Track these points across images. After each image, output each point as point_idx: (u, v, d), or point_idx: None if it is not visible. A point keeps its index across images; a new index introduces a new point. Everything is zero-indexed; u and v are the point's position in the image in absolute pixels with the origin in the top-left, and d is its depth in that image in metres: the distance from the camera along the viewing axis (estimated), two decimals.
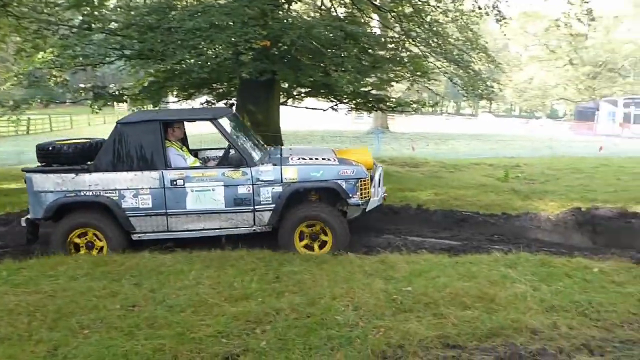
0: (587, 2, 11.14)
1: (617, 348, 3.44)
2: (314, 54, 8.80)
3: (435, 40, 10.73)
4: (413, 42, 11.03)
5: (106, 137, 6.13)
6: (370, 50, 9.96)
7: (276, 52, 8.46)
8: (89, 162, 6.06)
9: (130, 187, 5.78)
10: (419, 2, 11.01)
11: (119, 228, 5.84)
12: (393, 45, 10.76)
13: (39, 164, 6.17)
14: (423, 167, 14.62)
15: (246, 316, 3.87)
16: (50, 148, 6.06)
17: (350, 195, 6.07)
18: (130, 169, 5.81)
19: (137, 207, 5.81)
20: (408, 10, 10.93)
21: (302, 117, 18.07)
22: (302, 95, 11.85)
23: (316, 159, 6.36)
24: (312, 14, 11.38)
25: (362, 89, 10.03)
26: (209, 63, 7.90)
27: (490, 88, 11.23)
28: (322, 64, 9.01)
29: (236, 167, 5.91)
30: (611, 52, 51.00)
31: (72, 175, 5.75)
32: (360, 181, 6.13)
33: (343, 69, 8.48)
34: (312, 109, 12.24)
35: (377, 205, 6.46)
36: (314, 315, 3.90)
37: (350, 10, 10.76)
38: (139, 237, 5.92)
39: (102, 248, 5.87)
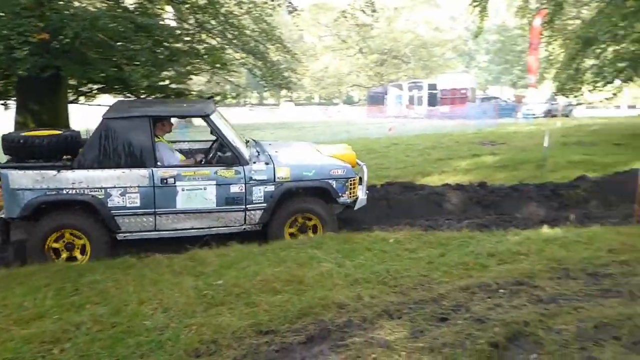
0: None
1: (412, 309, 3.78)
2: (102, 47, 8.22)
3: (232, 32, 10.74)
4: (209, 34, 10.92)
5: (72, 130, 5.90)
6: (165, 43, 9.62)
7: (58, 46, 7.73)
8: (64, 157, 5.80)
9: (118, 185, 5.52)
10: None
11: (103, 228, 5.55)
12: (189, 37, 10.52)
13: (7, 158, 5.78)
14: None
15: (40, 337, 3.49)
16: (21, 140, 5.55)
17: (340, 194, 6.24)
18: (117, 166, 5.55)
19: (124, 206, 5.56)
20: (202, 1, 10.78)
21: (98, 116, 16.89)
22: (95, 91, 11.04)
23: (305, 157, 6.52)
24: (98, 5, 10.64)
25: (160, 82, 9.67)
26: None
27: (288, 78, 11.57)
28: (113, 58, 8.47)
29: (229, 166, 5.82)
30: (394, 40, 55.97)
31: (54, 172, 5.38)
32: (350, 181, 6.28)
33: (137, 62, 8.06)
34: (107, 106, 11.51)
35: (364, 204, 6.60)
36: (119, 324, 3.66)
37: (140, 2, 10.27)
38: (125, 237, 5.69)
39: (83, 249, 5.55)
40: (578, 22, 22.04)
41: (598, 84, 15.40)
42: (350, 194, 6.34)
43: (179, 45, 10.02)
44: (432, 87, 42.15)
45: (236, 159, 5.88)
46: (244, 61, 11.79)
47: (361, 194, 6.54)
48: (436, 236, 5.74)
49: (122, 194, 5.54)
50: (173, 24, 12.09)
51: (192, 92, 10.92)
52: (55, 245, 5.50)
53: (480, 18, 16.11)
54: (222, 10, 10.82)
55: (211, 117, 5.93)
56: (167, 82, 10.05)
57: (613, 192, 8.24)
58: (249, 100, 66.24)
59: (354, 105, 57.77)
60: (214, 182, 5.77)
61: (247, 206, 5.91)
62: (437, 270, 4.59)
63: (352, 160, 6.76)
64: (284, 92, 46.23)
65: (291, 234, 6.17)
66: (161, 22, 10.23)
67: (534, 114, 30.99)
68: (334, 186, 6.20)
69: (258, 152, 6.46)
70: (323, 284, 4.28)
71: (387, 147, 15.41)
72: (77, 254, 5.56)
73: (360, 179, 6.66)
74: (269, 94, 65.84)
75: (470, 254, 5.01)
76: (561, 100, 27.93)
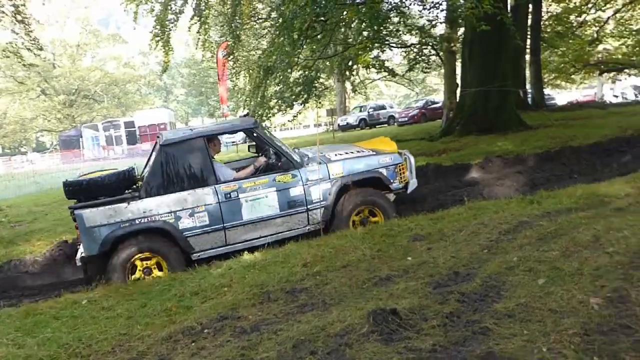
0: (32, 31, 10.90)
1: None
2: None
3: None
4: None
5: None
6: None
7: None
8: (127, 191, 5.93)
9: (186, 207, 5.74)
10: None
11: (179, 252, 5.73)
12: None
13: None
14: None
15: None
16: (83, 183, 5.67)
17: (392, 181, 6.56)
18: (182, 189, 5.75)
19: (194, 227, 5.78)
20: None
21: None
22: None
23: (352, 152, 6.75)
24: None
25: None
26: None
27: None
28: None
29: (285, 171, 6.08)
30: (81, 79, 52.72)
31: (125, 204, 5.58)
32: (398, 166, 6.59)
33: None
34: None
35: (415, 187, 6.79)
36: None
37: None
38: (199, 256, 5.85)
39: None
40: (259, 52, 23.85)
41: (282, 108, 16.77)
42: (401, 179, 6.64)
43: None
44: (129, 124, 41.00)
45: (290, 164, 6.16)
46: None
47: (411, 177, 6.77)
48: (137, 286, 5.30)
49: (191, 215, 5.76)
50: None
51: None
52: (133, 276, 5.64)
53: (165, 53, 16.15)
54: None
55: (258, 129, 6.31)
56: None
57: None
58: None
59: (46, 153, 52.60)
60: (274, 189, 6.05)
61: (308, 206, 6.20)
62: (137, 325, 4.19)
63: (394, 150, 6.99)
64: None
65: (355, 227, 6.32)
66: None
67: (234, 141, 32.47)
68: (385, 174, 6.52)
69: (307, 155, 6.70)
70: None
71: None
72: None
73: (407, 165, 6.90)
74: None
75: (173, 298, 4.73)
76: None
